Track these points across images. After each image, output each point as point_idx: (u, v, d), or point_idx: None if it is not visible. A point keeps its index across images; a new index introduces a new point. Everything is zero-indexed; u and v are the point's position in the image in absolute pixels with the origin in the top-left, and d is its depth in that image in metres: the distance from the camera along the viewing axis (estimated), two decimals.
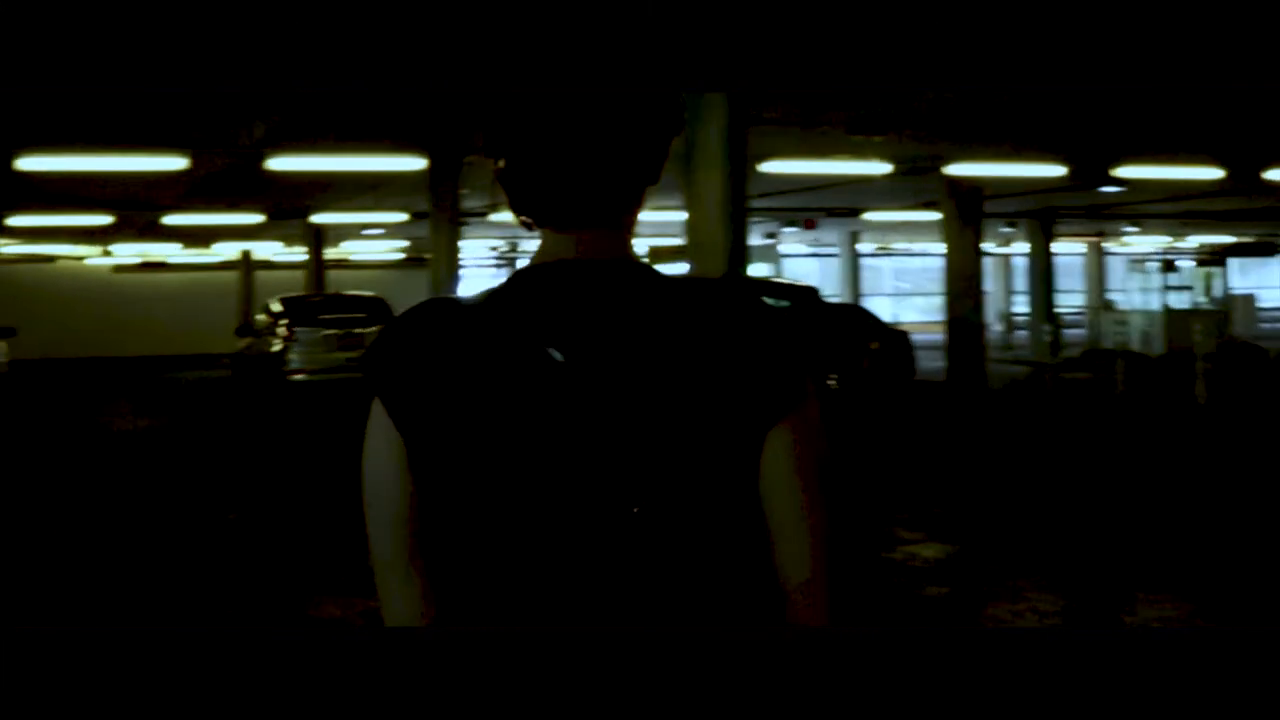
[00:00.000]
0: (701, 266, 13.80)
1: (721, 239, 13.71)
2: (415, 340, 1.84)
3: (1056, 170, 18.91)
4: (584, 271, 1.82)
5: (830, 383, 11.65)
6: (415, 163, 16.12)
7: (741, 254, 13.83)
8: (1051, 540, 10.49)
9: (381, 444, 1.87)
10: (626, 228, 1.88)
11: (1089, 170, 19.52)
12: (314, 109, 14.47)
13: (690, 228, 14.20)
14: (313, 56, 11.61)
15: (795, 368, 1.83)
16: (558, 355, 1.77)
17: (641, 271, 1.84)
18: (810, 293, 12.61)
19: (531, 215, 1.86)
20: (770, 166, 16.36)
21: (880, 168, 18.33)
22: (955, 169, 18.86)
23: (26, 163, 14.59)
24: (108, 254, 40.47)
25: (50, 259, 41.10)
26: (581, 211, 1.83)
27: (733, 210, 13.81)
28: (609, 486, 1.76)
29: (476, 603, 1.82)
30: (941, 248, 25.03)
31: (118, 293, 43.21)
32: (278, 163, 15.50)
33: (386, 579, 1.90)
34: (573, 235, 1.85)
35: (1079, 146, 18.62)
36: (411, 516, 1.86)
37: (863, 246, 45.25)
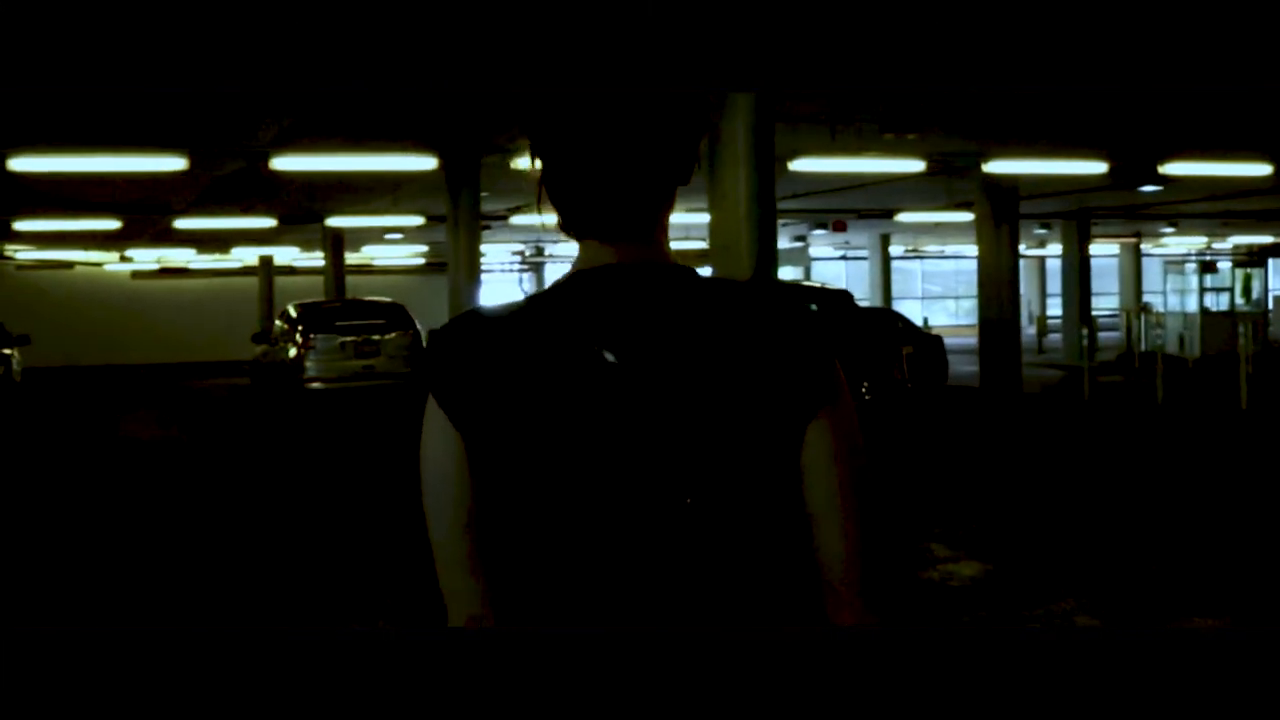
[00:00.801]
0: (726, 270, 13.16)
1: (747, 241, 13.08)
2: (468, 343, 1.92)
3: (1098, 167, 18.19)
4: (628, 276, 1.90)
5: (862, 390, 10.86)
6: (425, 162, 15.46)
7: (770, 257, 13.20)
8: (1094, 558, 9.82)
9: (439, 443, 1.94)
10: (662, 229, 1.96)
11: (1132, 167, 18.82)
12: (324, 109, 13.98)
13: (715, 230, 13.56)
14: (323, 56, 11.22)
15: (828, 363, 1.92)
16: (611, 357, 1.85)
17: (682, 274, 1.93)
18: (844, 297, 11.91)
19: (577, 229, 1.94)
20: (800, 165, 15.69)
21: (913, 165, 17.66)
22: (993, 166, 18.16)
23: (30, 163, 14.22)
24: (126, 260, 40.09)
25: (68, 265, 40.77)
26: (620, 222, 1.91)
27: (760, 211, 13.18)
28: (663, 479, 1.84)
29: (538, 594, 1.89)
30: (974, 249, 24.41)
31: (137, 299, 42.94)
32: (284, 162, 14.90)
33: (452, 576, 1.97)
34: (613, 244, 1.93)
35: (1122, 143, 17.97)
36: (472, 513, 1.93)
37: (893, 249, 44.46)
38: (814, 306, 12.10)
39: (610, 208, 1.91)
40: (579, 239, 1.96)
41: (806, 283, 14.37)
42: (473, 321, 1.96)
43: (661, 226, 1.96)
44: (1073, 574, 9.29)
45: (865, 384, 10.95)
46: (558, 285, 1.94)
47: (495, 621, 1.95)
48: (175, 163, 13.68)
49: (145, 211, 23.52)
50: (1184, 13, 10.41)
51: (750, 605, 1.87)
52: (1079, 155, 18.04)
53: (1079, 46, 11.79)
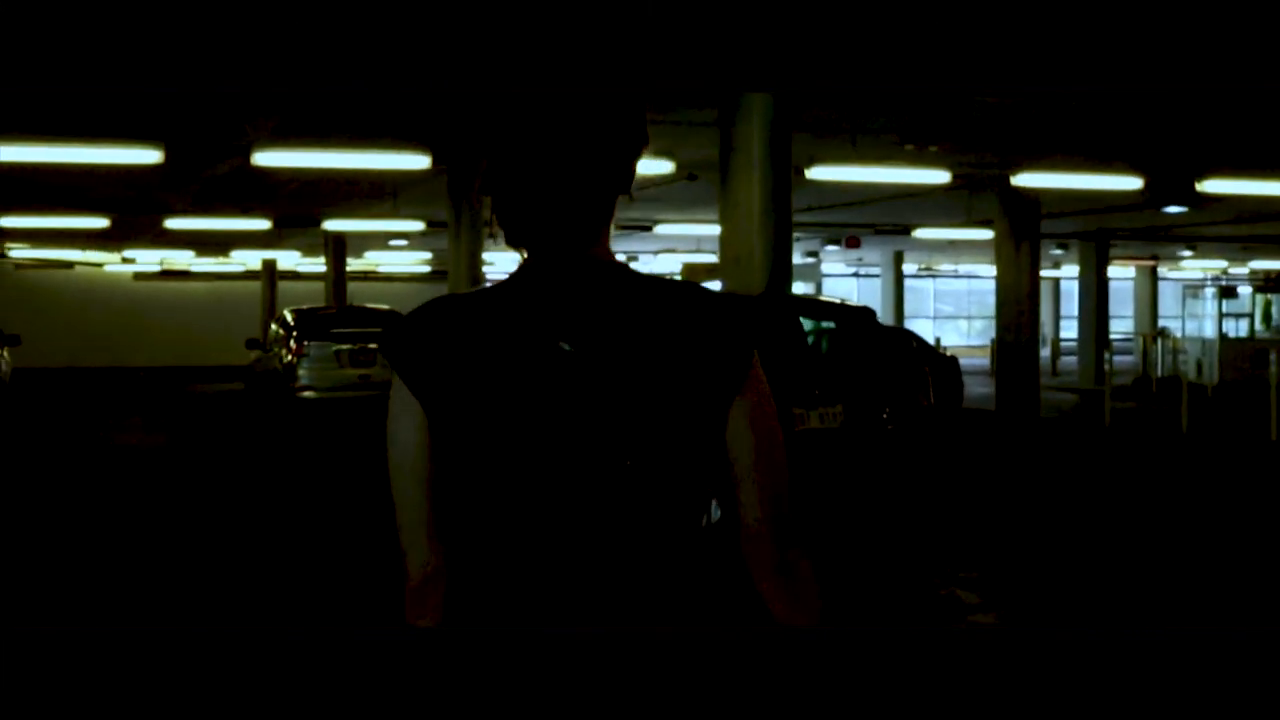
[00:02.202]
0: (738, 283, 12.46)
1: (760, 253, 12.34)
2: (430, 324, 2.18)
3: (1131, 183, 17.41)
4: (577, 271, 2.18)
5: (884, 418, 10.02)
6: (419, 160, 14.69)
7: (784, 270, 12.46)
8: (1128, 604, 9.05)
9: (403, 414, 2.20)
10: (602, 235, 2.22)
11: (1167, 183, 18.08)
12: (321, 108, 13.34)
13: (726, 241, 12.86)
14: (321, 54, 10.65)
15: (748, 353, 2.20)
16: (566, 346, 2.13)
17: (622, 271, 2.22)
18: (865, 314, 11.09)
19: (521, 243, 2.19)
20: (819, 173, 14.93)
21: (938, 176, 16.95)
22: (1022, 180, 17.39)
23: (4, 152, 13.55)
24: (128, 261, 39.56)
25: (68, 265, 40.22)
26: (558, 237, 2.17)
27: (775, 220, 12.46)
28: (607, 445, 2.13)
29: (494, 547, 2.16)
30: (987, 269, 23.78)
31: (139, 301, 42.51)
32: (270, 158, 14.17)
33: (410, 531, 2.23)
34: (554, 253, 2.18)
35: (1156, 158, 17.22)
36: (430, 478, 2.20)
37: (906, 267, 43.72)
38: (833, 324, 11.29)
39: (549, 225, 2.14)
40: (530, 253, 2.19)
41: (824, 298, 13.42)
42: (434, 307, 2.20)
43: (601, 233, 2.20)
44: (1108, 618, 8.55)
45: (887, 411, 10.06)
46: (511, 278, 2.20)
47: (447, 575, 2.21)
48: (151, 155, 13.03)
49: (135, 211, 22.91)
50: (1221, 20, 9.71)
51: (675, 547, 2.16)
52: (1110, 170, 17.28)
53: (1110, 54, 11.10)
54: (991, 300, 25.37)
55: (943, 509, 12.70)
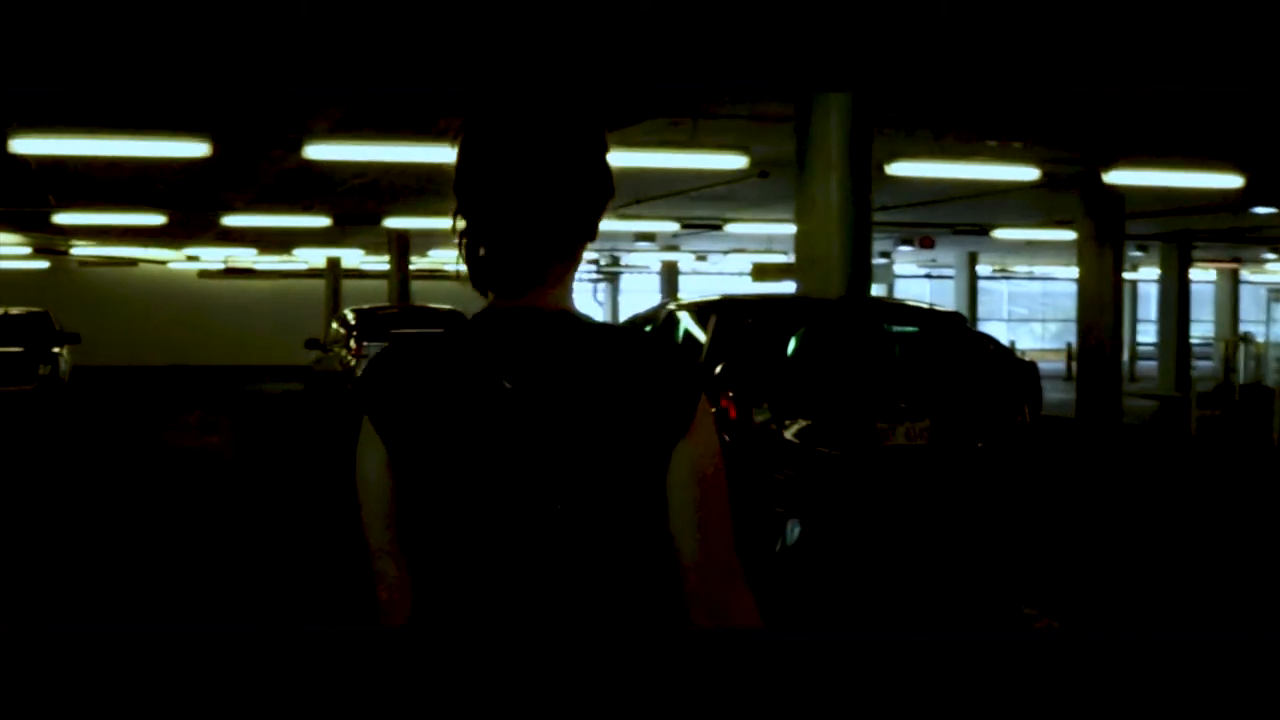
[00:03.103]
0: (814, 285, 11.81)
1: (839, 253, 11.66)
2: (396, 370, 2.37)
3: (1229, 181, 16.55)
4: (528, 319, 2.32)
5: (978, 447, 9.22)
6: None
7: (864, 271, 11.78)
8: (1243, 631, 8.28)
9: (369, 452, 2.40)
10: (565, 281, 2.35)
11: (1264, 183, 17.22)
12: (375, 102, 12.78)
13: (802, 241, 12.19)
14: (371, 50, 10.07)
15: (692, 398, 2.29)
16: (508, 385, 2.26)
17: (572, 320, 2.33)
18: (955, 320, 10.33)
19: (484, 287, 2.34)
20: (900, 169, 14.22)
21: (1026, 173, 16.18)
22: (1115, 176, 16.58)
23: (46, 145, 13.24)
24: (193, 259, 39.33)
25: (131, 262, 40.03)
26: (524, 284, 2.31)
27: (854, 219, 11.80)
28: (539, 488, 2.26)
29: (440, 576, 2.34)
30: (1063, 271, 23.01)
31: (203, 299, 42.29)
32: (321, 150, 13.59)
33: (377, 557, 2.45)
34: (511, 298, 2.34)
35: (1253, 157, 16.38)
36: (392, 509, 2.39)
37: (979, 268, 42.80)
38: (916, 328, 10.55)
39: (511, 272, 2.31)
40: (495, 297, 2.36)
41: (910, 302, 12.63)
42: (398, 351, 2.41)
43: (564, 279, 2.34)
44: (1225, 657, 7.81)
45: (979, 427, 9.30)
46: (472, 321, 2.38)
47: (412, 594, 2.42)
48: (199, 148, 12.55)
49: (191, 208, 22.52)
50: None
51: (606, 591, 2.28)
52: (1208, 168, 16.45)
53: (1204, 45, 10.32)
54: (1066, 303, 24.67)
55: (1034, 529, 11.90)
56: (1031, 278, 50.71)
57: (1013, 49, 10.56)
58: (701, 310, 10.03)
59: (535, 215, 2.25)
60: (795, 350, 9.31)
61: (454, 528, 2.30)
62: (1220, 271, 43.17)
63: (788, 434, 8.60)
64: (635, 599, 2.30)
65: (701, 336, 9.49)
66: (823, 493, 8.56)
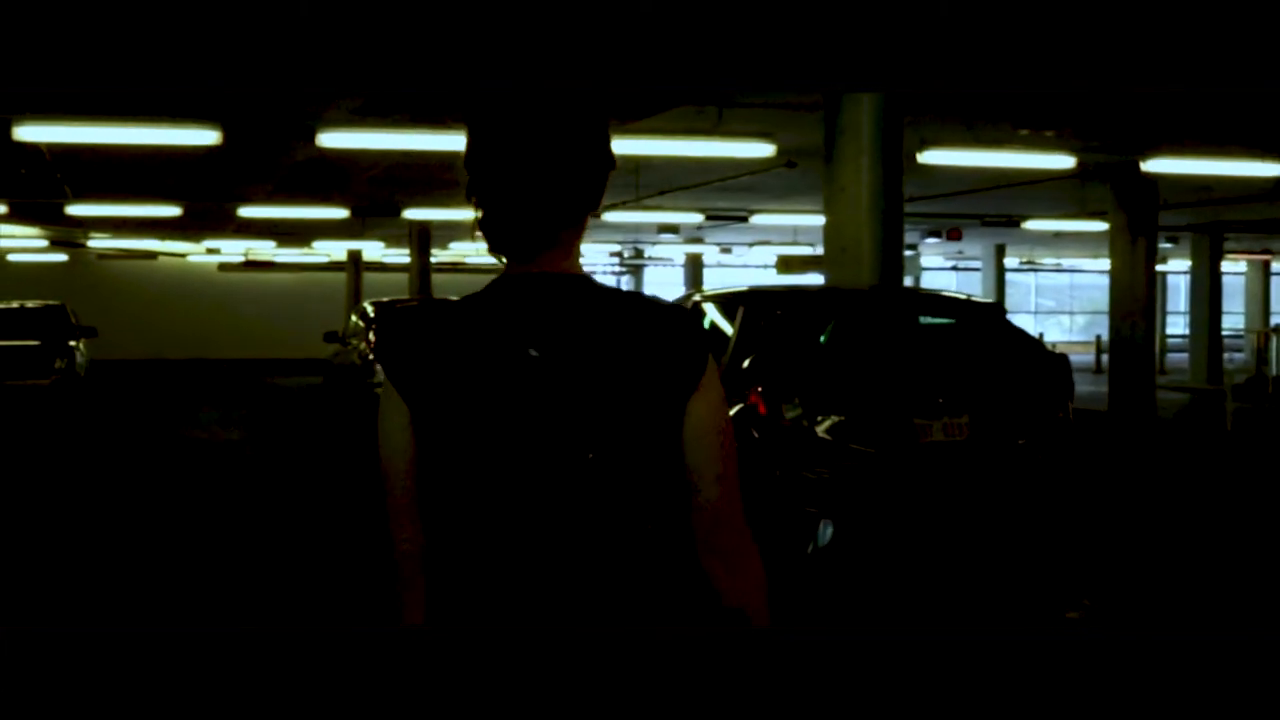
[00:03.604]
0: (844, 276, 11.42)
1: (870, 243, 11.27)
2: (415, 331, 2.47)
3: (1269, 169, 16.11)
4: (544, 283, 2.46)
5: (1019, 444, 8.77)
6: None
7: (896, 261, 11.40)
8: None
9: (391, 412, 2.49)
10: (573, 246, 2.50)
11: None
12: (393, 89, 12.44)
13: (831, 231, 11.81)
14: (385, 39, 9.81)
15: (703, 354, 2.48)
16: (534, 352, 2.40)
17: (586, 283, 2.48)
18: (994, 312, 9.91)
19: (500, 251, 2.48)
20: (932, 157, 13.81)
21: (1062, 161, 15.73)
22: (1154, 165, 16.12)
23: (51, 133, 12.95)
24: (213, 252, 39.07)
25: (151, 255, 39.82)
26: (530, 248, 2.45)
27: (885, 208, 11.42)
28: (571, 441, 2.40)
29: (465, 533, 2.45)
30: (1091, 263, 22.60)
31: (223, 292, 42.04)
32: (337, 139, 13.22)
33: (395, 514, 2.55)
34: (526, 263, 2.47)
35: None
36: (411, 468, 2.50)
37: (1007, 260, 42.30)
38: (952, 320, 10.15)
39: (523, 238, 2.44)
40: (502, 258, 2.49)
41: (947, 293, 12.16)
42: (419, 312, 2.50)
43: (571, 246, 2.49)
44: None
45: (1020, 423, 8.88)
46: (487, 288, 2.49)
47: (426, 555, 2.53)
48: (209, 135, 12.17)
49: (206, 198, 22.19)
50: None
51: (634, 533, 2.43)
52: (1243, 155, 16.01)
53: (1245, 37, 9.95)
54: (1094, 295, 24.26)
55: (1077, 530, 11.49)
56: (1059, 269, 50.21)
57: (1048, 47, 10.22)
58: (728, 302, 9.63)
59: (541, 183, 2.39)
60: (826, 343, 8.90)
61: (484, 483, 2.41)
62: (1251, 263, 42.62)
63: (819, 431, 8.17)
64: (657, 542, 2.45)
65: (728, 329, 9.08)
66: (857, 492, 8.13)
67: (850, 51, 10.50)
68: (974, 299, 10.73)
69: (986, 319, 9.78)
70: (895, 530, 8.15)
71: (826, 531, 7.78)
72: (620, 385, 2.38)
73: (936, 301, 11.06)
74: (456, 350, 2.39)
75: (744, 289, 10.37)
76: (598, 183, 2.47)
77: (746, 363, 8.42)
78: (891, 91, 11.28)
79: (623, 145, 10.97)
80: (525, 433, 2.37)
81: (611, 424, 2.39)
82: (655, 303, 2.53)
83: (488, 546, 2.40)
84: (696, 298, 10.25)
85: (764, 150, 13.92)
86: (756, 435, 8.14)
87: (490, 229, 2.43)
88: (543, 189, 2.38)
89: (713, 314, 9.59)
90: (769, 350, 8.59)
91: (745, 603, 2.49)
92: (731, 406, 7.16)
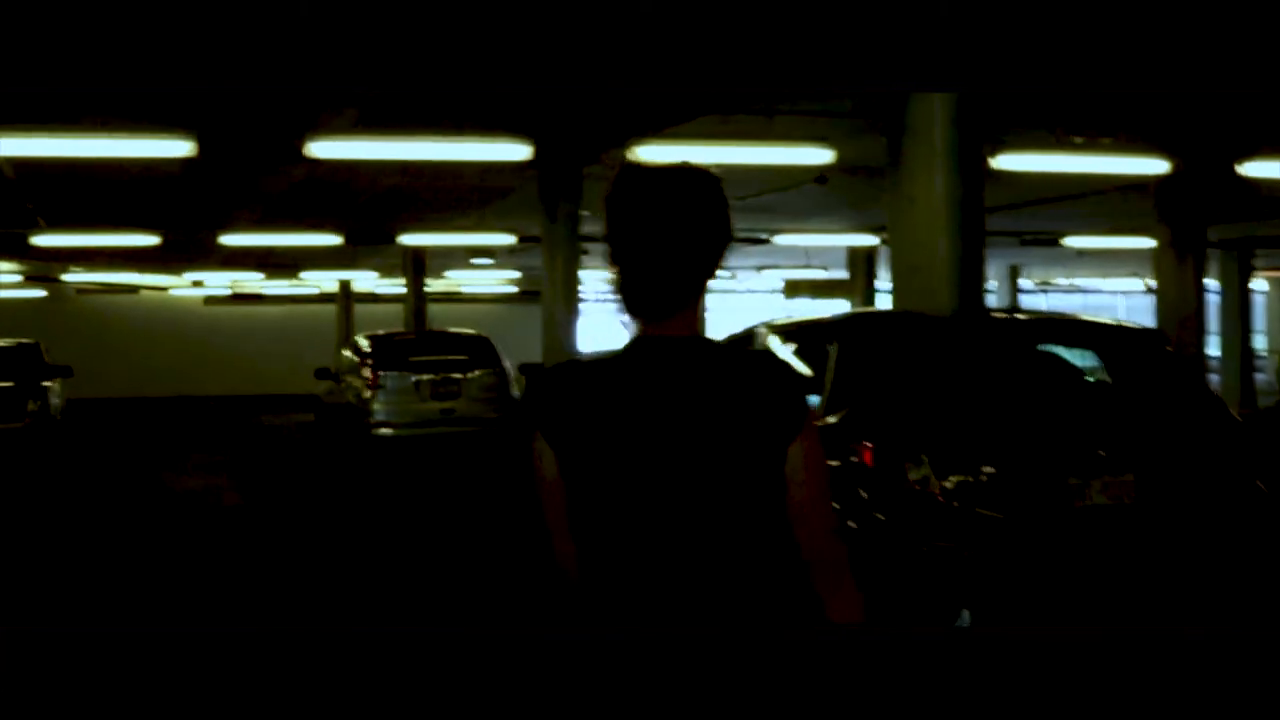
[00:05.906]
0: (913, 300, 9.97)
1: (947, 261, 9.79)
2: (561, 388, 2.94)
3: None
4: (670, 346, 2.88)
5: (1191, 495, 7.07)
6: (516, 150, 12.38)
7: (975, 281, 9.96)
8: None
9: (544, 458, 2.95)
10: (695, 310, 2.90)
11: None
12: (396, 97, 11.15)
13: (899, 248, 10.34)
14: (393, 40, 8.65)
15: (801, 402, 2.90)
16: (659, 403, 2.81)
17: (704, 344, 2.91)
18: (1154, 339, 8.18)
19: (637, 316, 2.89)
20: (1006, 162, 12.40)
21: (1156, 165, 14.38)
22: (1251, 169, 14.78)
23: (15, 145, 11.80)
24: (197, 284, 37.93)
25: (132, 289, 38.73)
26: (666, 311, 2.87)
27: (962, 220, 9.97)
28: (688, 486, 2.80)
29: (605, 555, 2.89)
30: (1106, 283, 21.44)
31: (207, 326, 41.16)
32: (325, 148, 11.83)
33: (554, 531, 3.01)
34: (653, 324, 2.90)
35: None
36: (561, 501, 2.95)
37: (1024, 282, 41.05)
38: (1097, 350, 8.48)
39: (655, 303, 2.86)
40: (639, 322, 2.91)
41: (1086, 317, 10.33)
42: (564, 371, 2.99)
43: (693, 309, 2.89)
44: None
45: (1204, 502, 7.20)
46: (624, 350, 2.92)
47: (579, 571, 2.97)
48: (182, 146, 10.89)
49: (186, 225, 20.93)
50: None
51: (746, 579, 2.82)
52: None
53: None
54: (1112, 315, 22.93)
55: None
56: (1074, 290, 48.77)
57: (1124, 49, 8.93)
58: (808, 334, 8.14)
59: (674, 258, 2.85)
60: (945, 382, 7.30)
61: (612, 523, 2.86)
62: (1273, 281, 41.37)
63: (946, 492, 6.58)
64: (765, 570, 2.86)
65: (805, 369, 7.57)
66: (997, 569, 6.56)
67: (918, 51, 9.25)
68: (1125, 324, 8.88)
69: (1145, 348, 8.01)
70: (1048, 618, 6.56)
71: (964, 621, 6.23)
72: (730, 436, 2.81)
73: (1077, 327, 9.25)
74: (594, 404, 2.88)
75: (829, 318, 8.94)
76: (720, 255, 2.91)
77: (844, 414, 6.93)
78: (967, 93, 9.94)
79: (663, 153, 9.61)
80: (644, 481, 2.82)
81: (723, 472, 2.81)
82: (760, 358, 3.16)
83: (622, 568, 2.86)
84: (762, 330, 8.76)
85: (822, 156, 12.74)
86: (865, 495, 6.64)
87: (627, 295, 2.88)
88: (675, 263, 2.84)
89: (785, 352, 8.07)
90: (876, 392, 7.13)
91: (847, 617, 2.91)
92: (833, 459, 5.76)
